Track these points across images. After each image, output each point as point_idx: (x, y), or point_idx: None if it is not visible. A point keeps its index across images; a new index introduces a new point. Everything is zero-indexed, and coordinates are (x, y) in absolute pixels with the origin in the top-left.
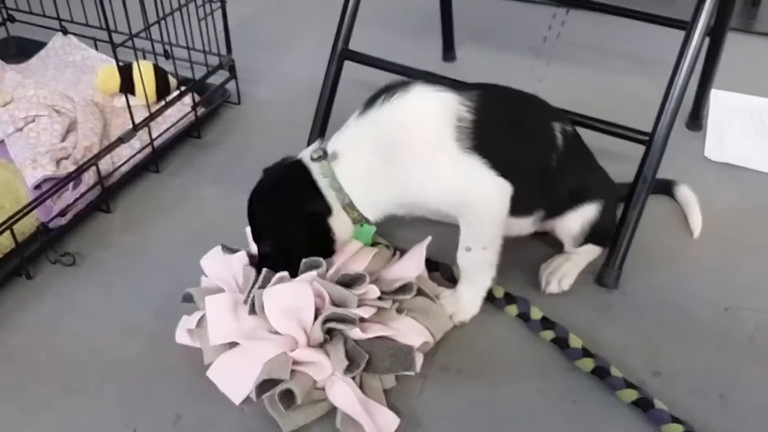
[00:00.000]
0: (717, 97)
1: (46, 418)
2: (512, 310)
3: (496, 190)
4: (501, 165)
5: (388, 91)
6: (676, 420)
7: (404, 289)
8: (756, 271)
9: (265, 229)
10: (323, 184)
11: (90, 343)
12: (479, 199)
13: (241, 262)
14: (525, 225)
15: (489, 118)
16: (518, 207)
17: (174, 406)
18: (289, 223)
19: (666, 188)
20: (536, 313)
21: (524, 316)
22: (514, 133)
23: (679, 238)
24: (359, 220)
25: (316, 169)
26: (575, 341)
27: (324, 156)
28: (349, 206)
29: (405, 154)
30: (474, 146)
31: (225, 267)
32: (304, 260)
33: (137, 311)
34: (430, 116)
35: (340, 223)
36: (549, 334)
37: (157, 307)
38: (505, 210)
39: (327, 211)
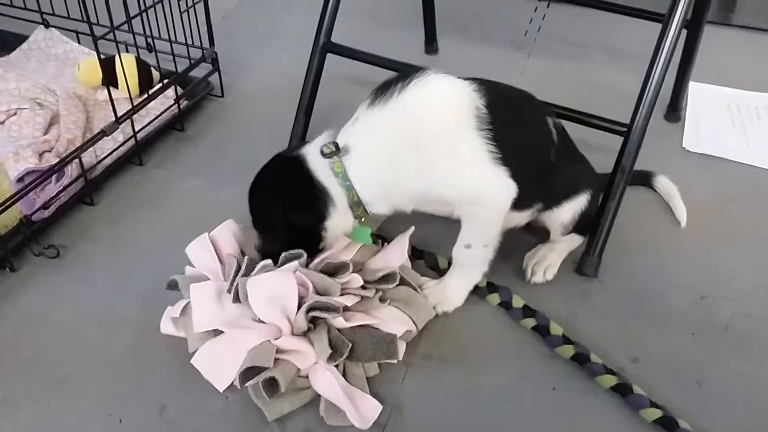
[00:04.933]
0: (695, 89)
1: (31, 409)
2: (494, 299)
3: (506, 191)
4: (509, 160)
5: (400, 80)
6: (654, 405)
7: (387, 278)
8: (732, 259)
9: (267, 231)
10: (332, 183)
11: (74, 335)
12: (491, 198)
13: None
14: (523, 218)
15: (498, 112)
16: (521, 202)
17: (159, 395)
18: (287, 229)
19: (645, 179)
20: (518, 302)
21: (506, 305)
22: (519, 128)
23: (656, 227)
24: (361, 216)
25: (325, 168)
26: (556, 329)
27: (336, 151)
28: (355, 204)
29: (427, 142)
30: (490, 138)
31: (210, 255)
32: (284, 254)
33: (121, 303)
34: (452, 103)
35: (338, 222)
36: (530, 322)
37: (141, 299)
38: (507, 209)
39: (325, 217)
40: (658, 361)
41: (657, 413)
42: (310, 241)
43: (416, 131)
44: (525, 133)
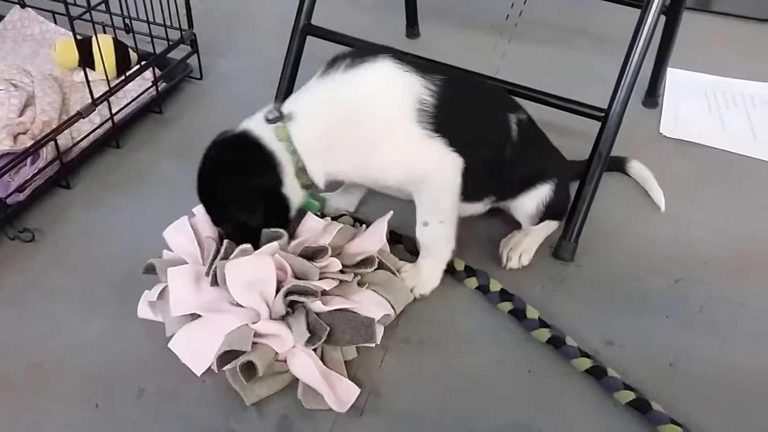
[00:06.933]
0: (673, 75)
1: (7, 395)
2: (472, 282)
3: (450, 164)
4: (453, 146)
5: (353, 56)
6: (627, 387)
7: (366, 262)
8: (706, 243)
9: (222, 214)
10: (278, 148)
11: (50, 320)
12: (434, 174)
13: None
14: (477, 208)
15: (449, 105)
16: (469, 194)
17: (136, 380)
18: (244, 205)
19: (618, 165)
20: (495, 286)
21: (483, 289)
22: (471, 123)
23: (632, 212)
24: (308, 185)
25: (270, 134)
26: (532, 312)
27: (280, 117)
28: (301, 170)
29: (364, 126)
30: (433, 129)
31: (188, 239)
32: (264, 231)
33: (98, 287)
34: (393, 94)
35: (292, 190)
36: (507, 306)
37: (118, 283)
38: (458, 182)
39: (280, 181)
40: (632, 344)
41: (630, 395)
42: (281, 209)
43: (353, 114)
44: (475, 130)
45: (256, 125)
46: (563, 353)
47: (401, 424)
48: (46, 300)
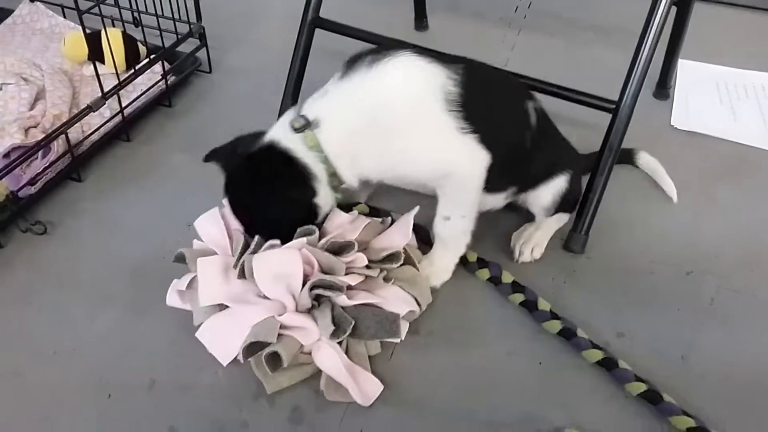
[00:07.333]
0: (684, 66)
1: (18, 386)
2: (484, 274)
3: (478, 160)
4: (481, 139)
5: (373, 54)
6: (638, 379)
7: (391, 258)
8: (718, 236)
9: (258, 229)
10: (311, 159)
11: (62, 312)
12: (462, 169)
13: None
14: (498, 200)
15: (472, 94)
16: (492, 185)
17: (148, 371)
18: (284, 222)
19: (626, 157)
20: (507, 277)
21: (495, 280)
22: (493, 112)
23: (643, 204)
24: (338, 186)
25: (300, 144)
26: (543, 304)
27: (307, 125)
28: (333, 176)
29: (392, 122)
30: (461, 118)
31: (219, 230)
32: (299, 230)
33: (110, 279)
34: (418, 86)
35: (326, 195)
36: (518, 297)
37: (129, 275)
38: (483, 178)
39: (314, 193)
40: (643, 336)
41: (642, 387)
42: (310, 219)
43: (380, 113)
44: (499, 118)
45: (283, 135)
46: (574, 345)
47: (411, 416)
48: (57, 292)
